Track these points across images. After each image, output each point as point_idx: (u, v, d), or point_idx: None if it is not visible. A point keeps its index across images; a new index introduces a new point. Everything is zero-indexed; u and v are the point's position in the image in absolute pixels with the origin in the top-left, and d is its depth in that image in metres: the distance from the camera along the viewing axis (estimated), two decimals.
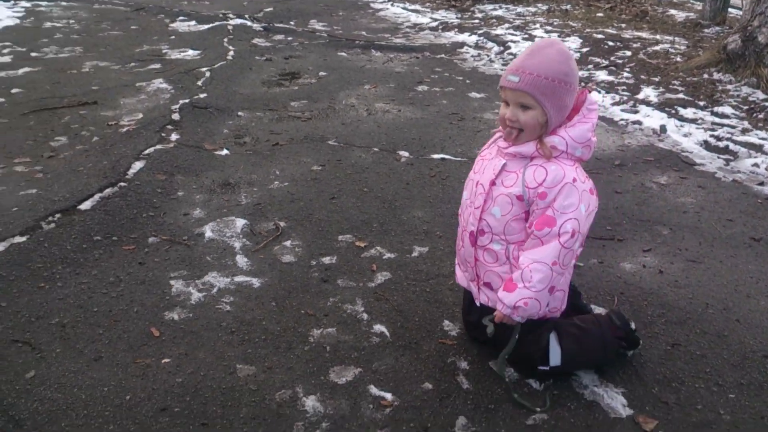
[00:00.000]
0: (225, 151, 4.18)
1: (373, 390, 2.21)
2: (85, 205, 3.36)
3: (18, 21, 8.40)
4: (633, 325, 2.37)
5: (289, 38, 7.64)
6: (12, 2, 9.57)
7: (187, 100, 5.08)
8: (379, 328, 2.54)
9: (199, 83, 5.63)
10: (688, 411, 2.15)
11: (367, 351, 2.41)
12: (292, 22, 8.63)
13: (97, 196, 3.45)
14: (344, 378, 2.27)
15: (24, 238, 3.02)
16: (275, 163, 4.04)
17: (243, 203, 3.49)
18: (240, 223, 3.27)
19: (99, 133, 4.44)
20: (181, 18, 8.67)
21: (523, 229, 2.09)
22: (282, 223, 3.30)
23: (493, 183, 2.12)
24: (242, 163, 4.02)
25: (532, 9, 9.35)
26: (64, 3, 9.59)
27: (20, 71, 5.97)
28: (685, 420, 2.12)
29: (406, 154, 4.24)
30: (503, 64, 6.74)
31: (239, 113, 4.91)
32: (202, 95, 5.27)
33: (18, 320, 2.48)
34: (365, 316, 2.61)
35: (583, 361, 2.27)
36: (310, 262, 2.97)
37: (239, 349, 2.39)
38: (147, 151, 4.07)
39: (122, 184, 3.62)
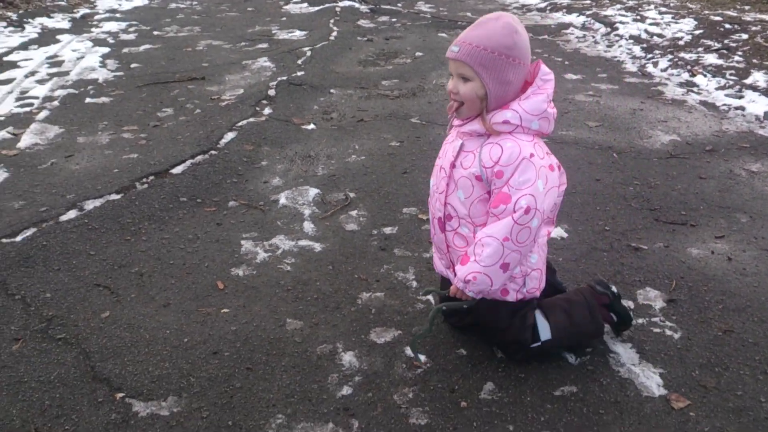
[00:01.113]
0: (311, 126, 4.38)
1: (409, 352, 2.30)
2: (177, 170, 3.67)
3: (147, 2, 9.09)
4: (615, 289, 2.32)
5: (393, 20, 7.77)
6: None
7: (284, 78, 5.34)
8: (428, 297, 2.62)
9: (299, 62, 5.88)
10: (726, 396, 2.09)
11: (410, 316, 2.50)
12: (399, 4, 8.75)
13: (188, 162, 3.75)
14: (383, 339, 2.38)
15: (119, 196, 3.36)
16: (356, 138, 4.19)
17: (319, 174, 3.67)
18: (313, 192, 3.45)
19: (202, 106, 4.78)
20: (294, 0, 9.02)
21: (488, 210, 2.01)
22: (352, 194, 3.45)
23: (453, 165, 2.05)
24: (325, 137, 4.20)
25: None
26: None
27: (141, 48, 6.49)
28: (721, 405, 2.06)
29: None
30: (608, 46, 6.53)
31: (331, 90, 5.11)
32: (299, 73, 5.51)
33: (102, 267, 2.78)
34: (414, 284, 2.70)
35: (575, 333, 2.23)
36: (371, 231, 3.10)
37: (292, 305, 2.56)
38: (240, 123, 4.35)
39: (213, 152, 3.91)
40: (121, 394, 2.11)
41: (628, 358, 2.26)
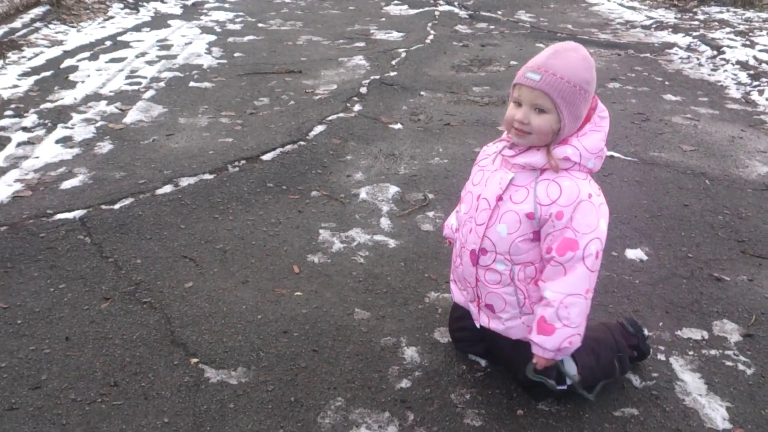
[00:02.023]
0: (398, 126, 4.46)
1: (471, 355, 2.33)
2: (267, 156, 3.83)
3: None
4: (646, 332, 2.26)
5: (491, 27, 7.75)
6: None
7: (377, 77, 5.44)
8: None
9: (393, 62, 5.97)
10: None
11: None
12: (499, 12, 8.72)
13: (278, 150, 3.91)
14: (447, 339, 2.42)
15: (212, 176, 3.54)
16: (441, 141, 4.23)
17: (401, 173, 3.74)
18: (393, 190, 3.52)
19: (296, 98, 4.95)
20: (395, 2, 9.14)
21: (530, 249, 1.91)
22: (431, 195, 3.49)
23: (500, 198, 1.92)
24: (410, 137, 4.27)
25: (764, 15, 8.51)
26: None
27: (245, 38, 6.76)
28: None
29: None
30: (712, 69, 6.29)
31: (421, 93, 5.17)
32: (392, 73, 5.60)
33: (190, 241, 2.95)
34: None
35: (600, 374, 2.11)
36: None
37: (361, 296, 2.64)
38: (330, 118, 4.48)
39: (302, 142, 4.04)
40: (195, 360, 2.24)
41: (695, 387, 2.21)
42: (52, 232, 2.94)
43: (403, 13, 8.53)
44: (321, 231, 3.10)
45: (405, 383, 2.18)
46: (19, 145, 3.92)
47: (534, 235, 1.89)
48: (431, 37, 7.06)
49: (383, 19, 8.08)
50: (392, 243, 3.04)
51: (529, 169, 1.89)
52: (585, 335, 2.03)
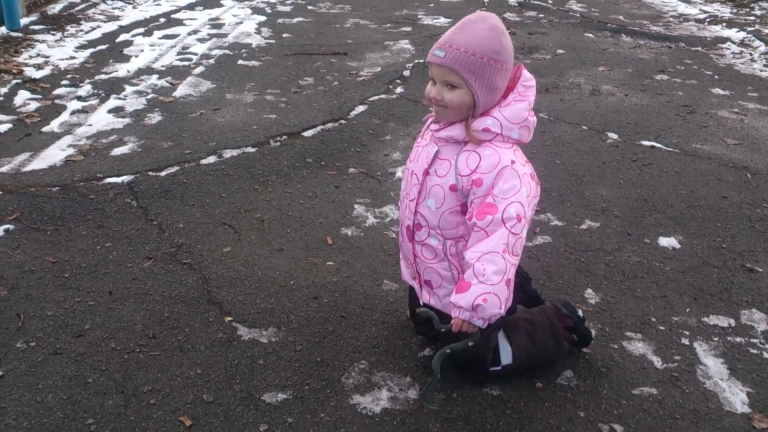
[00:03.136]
0: None
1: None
2: (308, 133, 3.92)
3: None
4: (581, 313, 2.22)
5: (540, 15, 7.69)
6: None
7: (421, 60, 5.48)
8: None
9: None
10: None
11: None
12: (549, 1, 8.63)
13: (319, 128, 4.00)
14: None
15: (254, 150, 3.65)
16: None
17: None
18: None
19: (340, 79, 5.03)
20: None
21: (460, 223, 1.88)
22: None
23: (426, 173, 1.91)
24: None
25: None
26: None
27: (294, 20, 6.86)
28: None
29: (614, 136, 4.19)
30: (765, 65, 6.14)
31: None
32: None
33: (230, 209, 3.07)
34: None
35: (536, 357, 2.12)
36: None
37: (391, 269, 2.71)
38: (372, 98, 4.54)
39: (342, 121, 4.13)
40: (229, 318, 2.35)
41: (717, 371, 2.22)
42: (101, 195, 3.08)
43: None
44: (356, 206, 3.17)
45: (428, 352, 2.24)
46: (73, 113, 4.10)
47: (461, 208, 1.87)
48: None
49: (431, 4, 8.09)
50: None
51: (452, 142, 1.88)
52: (520, 318, 2.11)
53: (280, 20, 6.81)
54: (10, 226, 2.81)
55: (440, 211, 1.90)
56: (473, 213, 1.81)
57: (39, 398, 1.98)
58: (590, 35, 6.85)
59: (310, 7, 7.56)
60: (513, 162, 1.80)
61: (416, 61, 5.47)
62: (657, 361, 2.26)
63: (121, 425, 1.90)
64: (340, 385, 2.08)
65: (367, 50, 5.88)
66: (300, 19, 6.95)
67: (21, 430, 1.87)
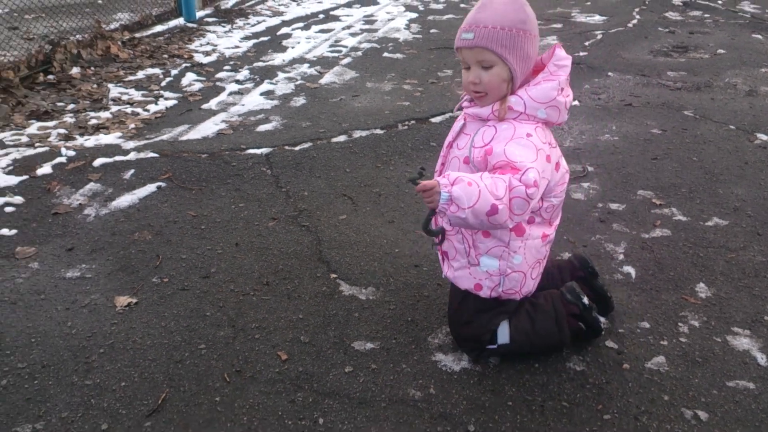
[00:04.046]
0: (576, 102, 4.44)
1: None
2: (436, 119, 4.06)
3: None
4: (586, 301, 2.10)
5: (706, 15, 7.25)
6: None
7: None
8: (627, 269, 2.63)
9: (587, 44, 5.88)
10: None
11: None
12: (719, 1, 8.09)
13: (448, 114, 4.12)
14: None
15: (382, 132, 3.85)
16: (617, 120, 4.16)
17: (564, 145, 3.76)
18: None
19: None
20: None
21: None
22: (590, 168, 3.49)
23: (450, 145, 1.97)
24: (585, 114, 4.25)
25: None
26: None
27: (444, 17, 7.03)
28: None
29: (764, 137, 3.91)
30: None
31: (609, 73, 5.06)
32: (582, 53, 5.53)
33: (351, 182, 3.28)
34: (621, 256, 2.72)
35: (536, 341, 2.06)
36: (596, 204, 3.14)
37: None
38: None
39: None
40: (334, 275, 2.54)
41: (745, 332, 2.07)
42: (242, 163, 3.42)
43: None
44: None
45: None
46: (230, 94, 4.55)
47: None
48: (635, 21, 6.80)
49: (588, 3, 7.90)
50: None
51: (477, 119, 1.89)
52: (524, 302, 2.06)
53: (430, 17, 7.01)
54: (163, 184, 3.21)
55: None
56: (494, 166, 1.78)
57: (163, 323, 2.28)
58: (758, 36, 6.36)
59: (462, 5, 7.69)
60: (528, 135, 1.79)
61: None
62: (762, 358, 2.14)
63: (228, 353, 2.15)
64: (426, 343, 2.19)
65: None
66: (450, 16, 7.10)
67: (145, 346, 2.17)
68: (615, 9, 7.45)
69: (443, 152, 2.03)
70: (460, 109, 2.00)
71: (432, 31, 6.39)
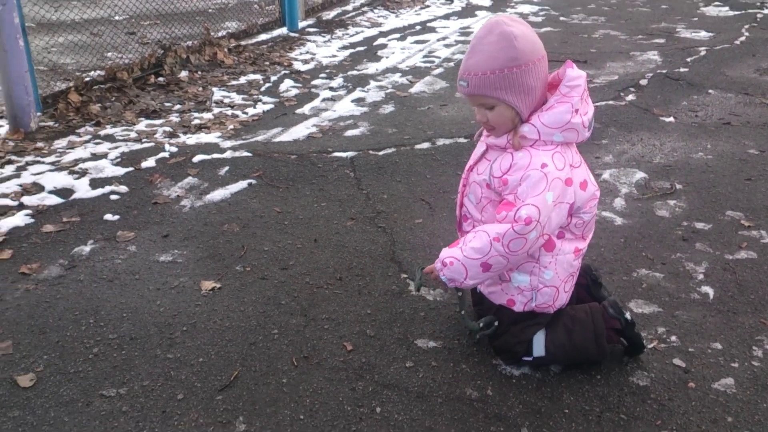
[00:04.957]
0: (670, 119, 4.33)
1: (660, 329, 2.33)
2: None
3: None
4: (629, 316, 2.07)
5: None
6: None
7: (664, 71, 5.28)
8: (706, 289, 2.56)
9: (689, 60, 5.69)
10: None
11: (679, 301, 2.49)
12: None
13: None
14: (642, 310, 2.44)
15: (465, 140, 3.91)
16: (712, 138, 4.02)
17: (654, 162, 3.68)
18: (639, 175, 3.51)
19: None
20: (715, 3, 8.52)
21: None
22: (679, 186, 3.40)
23: (470, 169, 2.03)
24: (679, 131, 4.13)
25: None
26: None
27: (542, 29, 6.98)
28: None
29: None
30: None
31: (709, 91, 4.89)
32: (682, 69, 5.37)
33: (430, 188, 3.35)
34: (700, 276, 2.65)
35: (573, 353, 2.05)
36: (681, 222, 3.06)
37: None
38: (598, 104, 4.52)
39: None
40: (405, 275, 2.63)
41: None
42: (327, 165, 3.58)
43: (721, 14, 7.93)
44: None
45: None
46: (323, 100, 4.74)
47: (498, 201, 1.95)
48: (743, 38, 6.51)
49: (695, 18, 7.63)
50: (619, 221, 3.08)
51: (496, 147, 1.95)
52: (561, 314, 2.06)
53: (541, 30, 6.98)
54: (253, 181, 3.41)
55: (480, 205, 2.01)
56: (497, 209, 1.92)
57: (242, 308, 2.43)
58: None
59: (561, 18, 7.62)
60: (544, 165, 1.83)
61: (658, 71, 5.28)
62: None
63: (298, 339, 2.27)
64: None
65: (609, 59, 5.80)
66: (548, 28, 7.05)
67: (223, 327, 2.33)
68: (723, 25, 7.16)
69: (464, 174, 2.09)
70: (480, 136, 2.08)
71: None
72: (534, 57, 1.82)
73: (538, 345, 2.06)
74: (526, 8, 8.15)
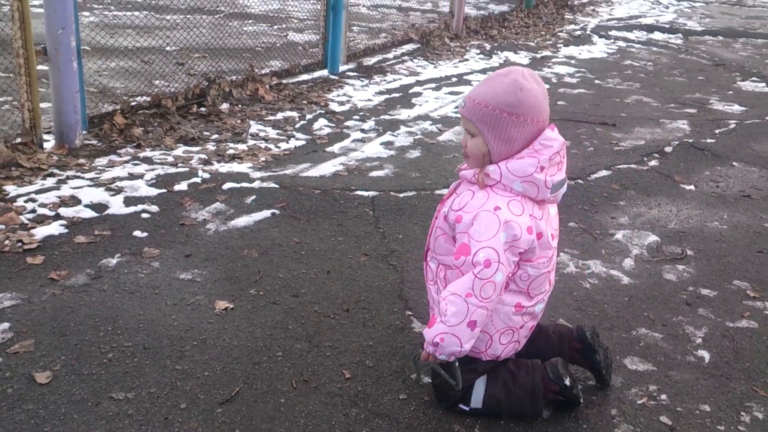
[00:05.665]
0: (690, 186, 4.40)
1: (652, 387, 2.39)
2: None
3: (605, 56, 9.71)
4: (568, 382, 2.10)
5: None
6: (611, 40, 11.01)
7: (690, 140, 5.36)
8: (702, 353, 2.62)
9: (717, 131, 5.77)
10: None
11: (674, 362, 2.55)
12: None
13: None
14: (636, 367, 2.50)
15: None
16: (731, 209, 4.08)
17: (668, 227, 3.75)
18: (651, 238, 3.58)
19: (597, 146, 5.18)
20: (753, 79, 8.59)
21: (449, 251, 2.03)
22: (690, 252, 3.46)
23: (443, 201, 2.13)
24: (698, 200, 4.20)
25: None
26: (655, 48, 10.53)
27: (575, 91, 7.14)
28: None
29: None
30: None
31: (733, 163, 4.95)
32: (709, 140, 5.44)
33: None
34: (699, 340, 2.70)
35: (508, 409, 2.13)
36: (687, 287, 3.12)
37: (571, 311, 2.84)
38: (619, 166, 4.62)
39: (579, 180, 4.30)
40: (409, 313, 2.73)
41: None
42: (348, 202, 3.73)
43: (757, 89, 8.00)
44: (562, 254, 3.34)
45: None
46: (354, 141, 4.92)
47: (451, 237, 2.04)
48: None
49: (730, 92, 7.71)
50: (626, 280, 3.15)
51: (466, 181, 2.06)
52: (503, 369, 2.12)
53: (561, 89, 7.14)
54: (277, 211, 3.57)
55: (435, 236, 2.11)
56: (454, 251, 1.99)
57: (250, 329, 2.56)
58: None
59: (596, 81, 7.76)
60: (497, 208, 1.91)
61: (685, 140, 5.36)
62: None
63: (300, 363, 2.38)
64: None
65: (638, 125, 5.90)
66: (581, 90, 7.20)
67: (231, 345, 2.46)
68: (757, 100, 7.23)
69: (438, 207, 2.18)
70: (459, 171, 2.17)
71: (559, 102, 6.52)
72: (530, 116, 1.92)
73: (477, 397, 2.13)
74: (563, 69, 8.32)
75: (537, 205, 2.01)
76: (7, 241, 3.03)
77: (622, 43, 10.76)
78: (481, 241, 1.89)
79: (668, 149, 5.09)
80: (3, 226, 3.17)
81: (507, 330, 2.10)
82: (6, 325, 2.48)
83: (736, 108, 6.86)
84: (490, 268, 1.88)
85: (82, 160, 4.09)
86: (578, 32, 11.55)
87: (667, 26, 12.76)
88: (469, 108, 1.96)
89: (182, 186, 3.79)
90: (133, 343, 2.44)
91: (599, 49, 10.16)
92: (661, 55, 9.92)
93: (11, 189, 3.56)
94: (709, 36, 12.24)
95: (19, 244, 3.04)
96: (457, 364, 2.03)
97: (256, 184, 3.88)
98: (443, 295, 1.96)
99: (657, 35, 11.91)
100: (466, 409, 2.14)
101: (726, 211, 4.05)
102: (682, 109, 6.65)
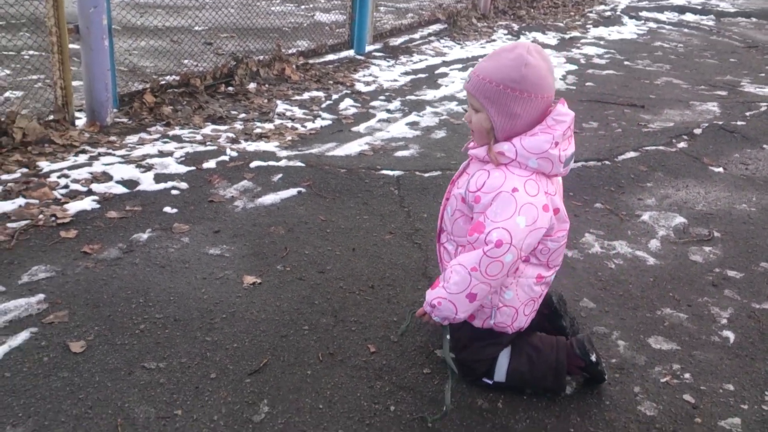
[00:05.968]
0: (719, 169, 4.35)
1: (675, 366, 2.40)
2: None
3: (635, 37, 9.57)
4: (594, 358, 2.12)
5: None
6: (642, 21, 10.83)
7: (720, 122, 5.28)
8: (727, 333, 2.61)
9: (748, 114, 5.67)
10: None
11: (699, 341, 2.55)
12: None
13: (580, 164, 4.20)
14: (660, 346, 2.51)
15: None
16: (759, 191, 4.03)
17: (696, 209, 3.72)
18: (678, 220, 3.55)
19: (625, 127, 5.13)
20: None
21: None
22: (717, 234, 3.44)
23: (453, 182, 2.12)
24: (726, 182, 4.15)
25: None
26: (686, 30, 10.35)
27: (604, 72, 7.06)
28: None
29: None
30: None
31: (764, 146, 4.88)
32: (740, 123, 5.36)
33: None
34: (724, 320, 2.69)
35: (531, 383, 2.16)
36: (713, 269, 3.10)
37: (596, 291, 2.84)
38: (647, 148, 4.58)
39: (606, 162, 4.27)
40: None
41: None
42: (374, 181, 3.75)
43: None
44: (587, 234, 3.34)
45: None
46: (379, 121, 4.94)
47: (471, 218, 2.02)
48: None
49: (762, 74, 7.57)
50: (651, 261, 3.14)
51: (477, 160, 2.04)
52: (527, 344, 2.15)
53: (589, 71, 7.07)
54: (303, 190, 3.61)
55: (453, 218, 2.10)
56: (469, 228, 1.97)
57: (278, 303, 2.61)
58: None
59: (626, 63, 7.67)
60: (515, 189, 1.89)
61: (714, 122, 5.29)
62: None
63: (326, 337, 2.43)
64: None
65: (668, 106, 5.83)
66: (610, 72, 7.12)
67: (259, 319, 2.51)
68: None
69: (449, 188, 2.18)
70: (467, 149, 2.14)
71: (587, 84, 6.46)
72: (534, 91, 1.89)
73: (500, 371, 2.15)
74: (592, 50, 8.23)
75: (549, 181, 2.00)
76: (41, 216, 3.12)
77: (652, 24, 10.60)
78: (496, 221, 1.88)
79: (697, 131, 5.03)
80: (37, 201, 3.25)
81: (530, 301, 2.13)
82: (41, 296, 2.56)
83: None
84: (501, 248, 1.87)
85: (113, 138, 4.16)
86: (608, 13, 11.38)
87: (699, 7, 12.52)
88: (474, 83, 1.94)
89: (211, 164, 3.85)
90: (164, 315, 2.50)
91: (629, 30, 10.02)
92: (692, 37, 9.75)
93: (45, 165, 3.64)
94: (742, 17, 12.00)
95: (53, 218, 3.12)
96: (452, 356, 2.11)
97: (282, 163, 3.92)
98: (451, 264, 1.98)
99: (689, 16, 11.71)
100: (490, 383, 2.18)
101: (755, 193, 4.00)
102: (712, 91, 6.55)
